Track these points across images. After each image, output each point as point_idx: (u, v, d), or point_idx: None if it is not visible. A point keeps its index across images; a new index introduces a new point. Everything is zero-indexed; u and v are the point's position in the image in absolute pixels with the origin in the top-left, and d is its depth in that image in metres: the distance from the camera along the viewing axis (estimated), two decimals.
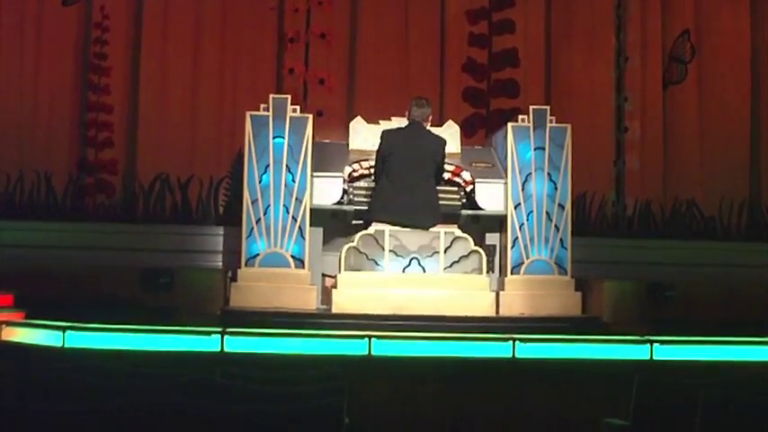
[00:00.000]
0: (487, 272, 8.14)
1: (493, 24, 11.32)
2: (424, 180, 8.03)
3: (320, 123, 9.40)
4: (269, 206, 8.17)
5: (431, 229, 7.97)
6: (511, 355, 6.59)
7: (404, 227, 7.94)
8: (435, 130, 8.51)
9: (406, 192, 7.95)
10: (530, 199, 8.44)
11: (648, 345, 6.69)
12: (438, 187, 8.26)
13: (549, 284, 8.35)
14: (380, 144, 8.12)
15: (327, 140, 8.92)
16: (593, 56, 11.89)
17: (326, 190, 8.30)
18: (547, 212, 8.45)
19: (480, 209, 8.46)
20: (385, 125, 8.54)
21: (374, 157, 8.27)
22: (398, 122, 8.51)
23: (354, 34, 11.71)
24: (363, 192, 8.40)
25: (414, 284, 7.88)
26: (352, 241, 7.95)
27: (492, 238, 8.66)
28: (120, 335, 6.53)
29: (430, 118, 8.35)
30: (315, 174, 8.29)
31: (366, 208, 8.21)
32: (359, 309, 7.65)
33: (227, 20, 11.42)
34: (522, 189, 8.44)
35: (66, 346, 6.51)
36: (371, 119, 8.82)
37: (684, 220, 11.41)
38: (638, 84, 11.88)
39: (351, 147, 8.68)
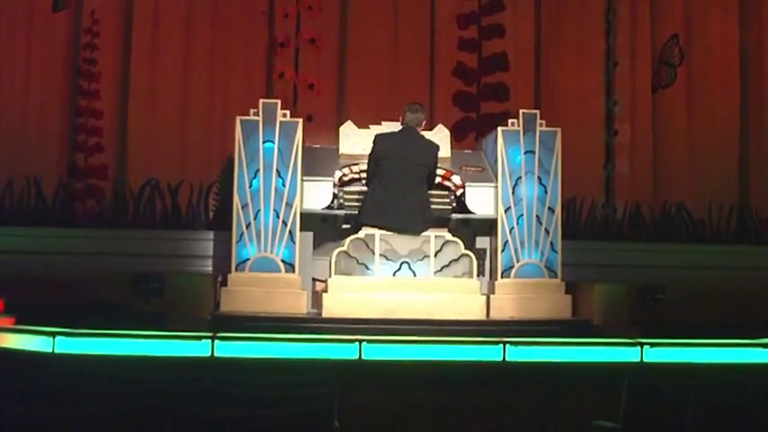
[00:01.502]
0: (478, 275, 8.14)
1: (483, 29, 11.32)
2: (416, 185, 8.03)
3: (310, 128, 9.40)
4: (259, 211, 8.17)
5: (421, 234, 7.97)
6: (501, 359, 6.59)
7: (394, 232, 7.94)
8: (426, 135, 8.52)
9: (398, 197, 7.94)
10: (520, 202, 8.45)
11: (639, 347, 6.70)
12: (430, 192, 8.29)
13: (539, 288, 8.37)
14: (373, 148, 8.10)
15: (317, 145, 8.93)
16: (582, 60, 11.92)
17: (317, 194, 8.31)
18: (537, 216, 8.46)
19: (470, 213, 8.48)
20: (375, 129, 8.54)
21: (365, 161, 8.27)
22: (389, 127, 8.51)
23: (344, 39, 11.72)
24: (354, 196, 8.40)
25: (404, 288, 7.88)
26: (343, 246, 7.94)
27: (482, 242, 8.67)
28: (111, 340, 6.51)
29: (424, 123, 8.34)
30: (305, 178, 8.29)
31: (356, 212, 8.21)
32: (349, 313, 7.65)
33: (217, 25, 11.42)
34: (513, 193, 8.45)
35: (56, 351, 6.49)
36: (361, 123, 8.83)
37: (674, 223, 11.44)
38: (627, 87, 11.92)
39: (341, 151, 8.69)
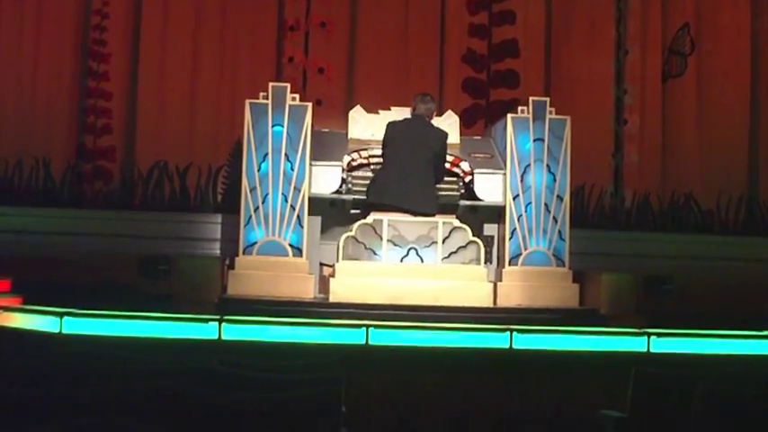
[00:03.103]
0: (485, 262, 8.14)
1: (493, 15, 11.31)
2: (423, 168, 8.04)
3: (319, 112, 9.37)
4: (267, 194, 8.17)
5: (429, 219, 7.96)
6: (508, 346, 6.59)
7: (399, 210, 7.92)
8: (435, 121, 8.54)
9: (403, 177, 7.98)
10: (528, 190, 8.44)
11: (645, 337, 6.70)
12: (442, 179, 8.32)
13: (546, 276, 8.36)
14: (384, 135, 8.19)
15: (326, 129, 8.91)
16: (593, 48, 11.87)
17: (325, 179, 8.31)
18: (545, 204, 8.45)
19: (479, 199, 8.47)
20: (384, 114, 8.56)
21: (374, 146, 8.38)
22: (398, 112, 8.54)
23: (354, 23, 11.68)
24: (362, 181, 8.40)
25: (411, 274, 7.88)
26: (351, 230, 7.95)
27: (490, 229, 8.67)
28: (118, 321, 6.52)
29: (434, 114, 8.39)
30: (313, 163, 8.28)
31: (365, 197, 8.23)
32: (356, 298, 7.65)
33: (226, 7, 11.38)
34: (521, 180, 8.44)
35: (63, 332, 6.50)
36: (371, 108, 8.82)
37: (682, 213, 11.42)
38: (637, 76, 11.87)
39: (350, 136, 8.68)
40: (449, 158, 8.51)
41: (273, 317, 6.74)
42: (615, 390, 5.33)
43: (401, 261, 7.95)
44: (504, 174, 8.46)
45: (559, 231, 8.46)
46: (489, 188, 8.47)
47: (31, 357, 4.73)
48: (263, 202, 8.16)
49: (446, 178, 8.49)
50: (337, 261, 7.92)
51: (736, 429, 4.40)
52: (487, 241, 8.45)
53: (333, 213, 8.50)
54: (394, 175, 8.01)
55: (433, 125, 8.33)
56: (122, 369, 4.45)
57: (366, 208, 8.12)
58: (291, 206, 8.16)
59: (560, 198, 8.51)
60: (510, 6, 11.32)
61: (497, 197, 8.47)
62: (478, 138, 9.37)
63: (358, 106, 8.93)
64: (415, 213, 7.96)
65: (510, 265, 8.37)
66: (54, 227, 9.55)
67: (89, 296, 7.21)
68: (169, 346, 6.29)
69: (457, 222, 8.07)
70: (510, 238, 8.38)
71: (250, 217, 8.16)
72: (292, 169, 8.20)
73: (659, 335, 6.73)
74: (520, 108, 8.67)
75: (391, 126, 8.20)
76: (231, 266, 8.17)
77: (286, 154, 8.20)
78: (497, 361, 6.55)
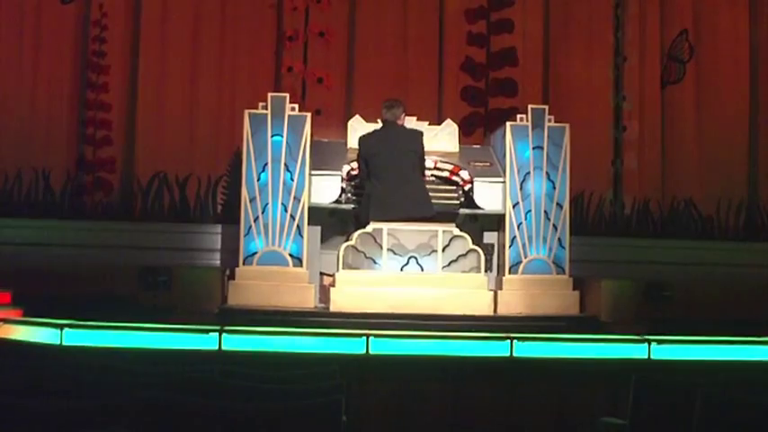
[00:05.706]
0: (485, 271, 8.15)
1: (491, 24, 11.33)
2: (411, 173, 8.09)
3: (318, 122, 9.40)
4: (267, 204, 8.17)
5: (429, 228, 7.96)
6: (509, 354, 6.59)
7: (404, 221, 7.92)
8: (434, 130, 8.56)
9: (397, 187, 7.99)
10: (528, 198, 8.45)
11: (646, 344, 6.70)
12: (436, 185, 8.33)
13: (546, 283, 8.36)
14: (360, 150, 8.22)
15: (326, 139, 8.93)
16: (591, 55, 11.88)
17: (325, 188, 8.32)
18: (545, 211, 8.46)
19: (479, 208, 8.48)
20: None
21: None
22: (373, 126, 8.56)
23: (353, 33, 11.69)
24: (361, 190, 8.40)
25: (412, 283, 7.89)
26: (351, 240, 7.95)
27: (490, 237, 8.68)
28: (118, 333, 6.53)
29: (403, 116, 8.39)
30: (313, 172, 8.30)
31: (360, 213, 8.23)
32: (357, 307, 7.66)
33: (225, 18, 11.39)
34: (521, 188, 8.45)
35: (63, 343, 6.51)
36: (370, 118, 8.83)
37: (682, 219, 11.41)
38: (636, 83, 11.87)
39: (349, 145, 8.69)
40: (448, 167, 8.53)
41: (274, 327, 6.75)
42: (615, 397, 5.33)
43: (401, 270, 7.95)
44: (504, 182, 8.47)
45: (559, 239, 8.46)
46: (489, 196, 8.49)
47: (32, 369, 4.73)
48: (262, 212, 8.17)
49: (446, 187, 8.53)
50: (337, 270, 7.92)
51: None
52: (487, 249, 8.46)
53: (332, 223, 8.51)
54: (389, 188, 7.99)
55: (405, 128, 8.38)
56: (123, 380, 4.45)
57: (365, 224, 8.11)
58: (291, 216, 8.17)
59: (560, 205, 8.52)
60: (508, 15, 11.34)
61: (497, 205, 8.48)
62: (478, 146, 9.39)
63: (357, 116, 8.95)
64: (422, 220, 7.97)
65: (510, 273, 8.37)
66: (54, 238, 9.55)
67: (89, 308, 7.21)
68: (170, 356, 6.29)
69: (457, 231, 8.07)
70: (510, 246, 8.39)
71: (250, 227, 8.17)
72: (292, 179, 8.21)
73: (660, 342, 6.73)
74: (519, 116, 8.68)
75: (366, 139, 8.22)
76: (231, 277, 8.18)
77: (285, 164, 8.22)
78: (498, 369, 6.56)
